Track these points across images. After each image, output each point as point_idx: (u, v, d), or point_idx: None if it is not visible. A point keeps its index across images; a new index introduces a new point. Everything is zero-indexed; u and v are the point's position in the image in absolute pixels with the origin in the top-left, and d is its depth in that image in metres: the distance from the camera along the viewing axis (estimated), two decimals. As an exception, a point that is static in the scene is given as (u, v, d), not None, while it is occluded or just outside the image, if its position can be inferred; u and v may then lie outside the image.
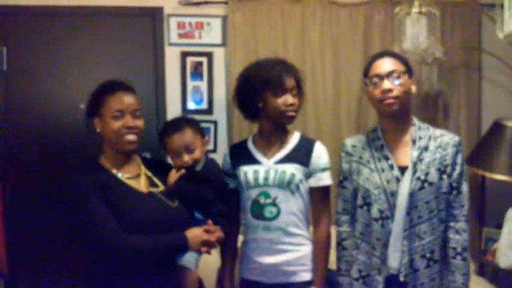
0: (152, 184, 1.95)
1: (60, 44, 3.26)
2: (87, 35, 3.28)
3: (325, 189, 2.14)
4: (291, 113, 2.11)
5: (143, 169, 1.97)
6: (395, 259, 1.96)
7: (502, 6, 2.77)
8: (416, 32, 2.99)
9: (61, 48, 3.26)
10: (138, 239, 1.77)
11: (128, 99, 1.89)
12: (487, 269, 3.17)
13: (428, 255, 1.96)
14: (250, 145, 2.19)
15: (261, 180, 2.09)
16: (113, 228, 1.75)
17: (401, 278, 1.95)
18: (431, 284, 1.97)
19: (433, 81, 3.28)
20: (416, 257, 1.96)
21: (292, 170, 2.08)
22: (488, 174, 3.02)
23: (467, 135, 3.36)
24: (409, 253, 1.95)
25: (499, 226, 2.93)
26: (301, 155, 2.10)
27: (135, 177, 1.92)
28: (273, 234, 2.08)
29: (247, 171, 2.12)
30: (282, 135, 2.16)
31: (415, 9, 2.99)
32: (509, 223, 2.79)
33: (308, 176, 2.11)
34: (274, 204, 2.07)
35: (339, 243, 2.13)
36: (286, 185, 2.07)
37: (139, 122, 1.90)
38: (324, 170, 2.11)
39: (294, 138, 2.16)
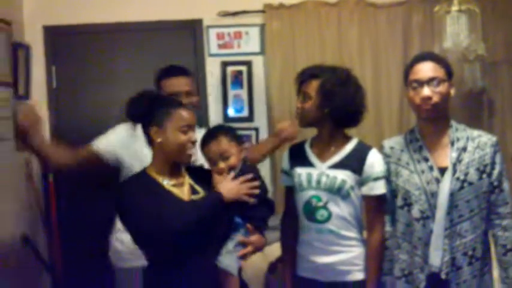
0: (193, 191, 2.01)
1: (105, 59, 3.40)
2: (130, 50, 3.41)
3: (379, 198, 2.11)
4: (296, 116, 2.20)
5: (187, 178, 2.04)
6: (436, 257, 1.98)
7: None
8: (456, 31, 2.96)
9: (106, 63, 3.40)
10: (182, 215, 1.85)
11: (192, 116, 1.99)
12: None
13: (470, 252, 1.97)
14: (307, 147, 2.21)
15: (313, 184, 2.11)
16: (164, 219, 1.82)
17: (443, 276, 1.97)
18: (473, 281, 1.98)
19: (476, 78, 3.23)
20: (458, 255, 1.97)
21: (343, 176, 2.08)
22: (537, 171, 2.95)
23: (514, 131, 3.30)
24: (450, 251, 1.96)
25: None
26: (354, 162, 2.09)
27: (180, 186, 1.98)
28: (325, 236, 2.10)
29: (301, 173, 2.15)
30: (339, 140, 2.16)
31: (454, 8, 2.97)
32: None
33: (361, 183, 2.10)
34: (325, 207, 2.09)
35: None
36: (337, 190, 2.08)
37: (196, 137, 2.00)
38: (376, 179, 2.09)
39: (350, 144, 2.14)
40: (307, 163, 2.16)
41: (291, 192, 2.24)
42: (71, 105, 3.40)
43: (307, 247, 2.16)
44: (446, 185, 1.97)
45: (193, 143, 1.95)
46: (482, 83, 3.24)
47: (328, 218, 2.09)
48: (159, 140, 1.93)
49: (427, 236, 1.99)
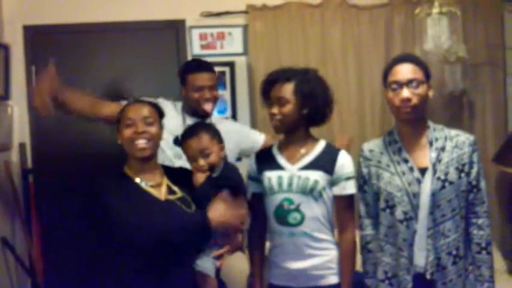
0: (170, 191, 2.00)
1: (87, 59, 3.37)
2: (112, 50, 3.38)
3: (350, 198, 2.13)
4: (272, 123, 2.13)
5: (165, 179, 2.03)
6: (421, 258, 1.99)
7: (524, 1, 2.75)
8: (437, 32, 2.98)
9: (88, 63, 3.37)
10: (159, 221, 1.84)
11: (139, 108, 1.98)
12: (520, 268, 3.12)
13: (454, 252, 1.99)
14: (275, 151, 2.20)
15: (285, 186, 2.09)
16: (135, 222, 1.82)
17: (428, 276, 1.98)
18: (459, 280, 1.99)
19: (457, 80, 3.26)
20: (443, 255, 1.98)
21: (316, 177, 2.07)
22: (517, 172, 2.99)
23: (494, 133, 3.34)
24: (435, 251, 1.97)
25: (530, 224, 2.90)
26: (326, 162, 2.09)
27: (157, 186, 1.98)
28: (298, 240, 2.08)
29: (271, 177, 2.13)
30: (309, 142, 2.15)
31: (435, 10, 2.99)
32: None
33: (332, 184, 2.10)
34: (297, 210, 2.08)
35: (363, 247, 2.16)
36: (309, 191, 2.07)
37: (151, 129, 1.96)
38: (348, 178, 2.10)
39: (319, 146, 2.14)
40: (276, 166, 2.14)
41: (259, 199, 2.19)
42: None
43: (279, 253, 2.13)
44: (427, 185, 1.98)
45: (140, 133, 1.93)
46: (463, 85, 3.27)
47: (302, 220, 2.07)
48: (119, 141, 1.98)
49: (411, 236, 1.99)
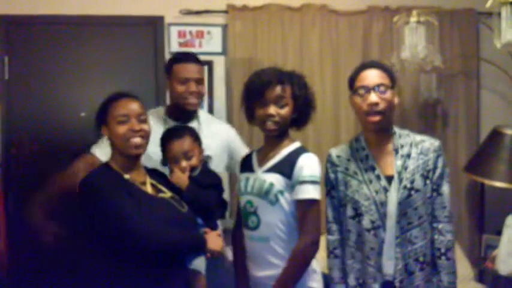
0: (159, 190, 1.99)
1: (61, 52, 3.30)
2: (89, 44, 3.32)
3: (306, 203, 1.97)
4: (269, 125, 2.02)
5: (148, 177, 2.01)
6: (390, 266, 1.98)
7: (499, 14, 2.79)
8: (414, 41, 3.02)
9: (63, 57, 3.31)
10: (169, 231, 1.83)
11: (132, 105, 1.94)
12: (487, 276, 3.17)
13: (421, 258, 1.99)
14: (254, 153, 2.18)
15: (249, 188, 2.06)
16: (143, 220, 1.79)
17: (397, 284, 1.97)
18: (427, 285, 2.00)
19: (432, 89, 3.32)
20: (410, 261, 1.98)
21: (272, 179, 2.00)
22: (487, 182, 3.04)
23: (466, 143, 3.39)
24: (402, 258, 1.97)
25: (499, 233, 2.94)
26: (286, 166, 2.01)
27: (143, 184, 1.95)
28: (256, 244, 2.04)
29: (241, 178, 2.13)
30: (282, 144, 2.08)
31: (413, 19, 3.03)
32: (509, 230, 2.79)
33: (291, 188, 1.99)
34: (255, 213, 2.03)
35: (331, 252, 2.12)
36: (264, 194, 2.00)
37: (145, 126, 1.94)
38: (303, 182, 1.96)
39: (288, 149, 2.06)
40: (249, 168, 2.13)
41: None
42: (23, 98, 3.28)
43: (247, 257, 2.10)
44: (394, 194, 1.97)
45: (136, 131, 1.89)
46: (437, 94, 3.32)
47: (258, 224, 2.03)
48: (107, 137, 1.94)
49: (379, 245, 1.98)
